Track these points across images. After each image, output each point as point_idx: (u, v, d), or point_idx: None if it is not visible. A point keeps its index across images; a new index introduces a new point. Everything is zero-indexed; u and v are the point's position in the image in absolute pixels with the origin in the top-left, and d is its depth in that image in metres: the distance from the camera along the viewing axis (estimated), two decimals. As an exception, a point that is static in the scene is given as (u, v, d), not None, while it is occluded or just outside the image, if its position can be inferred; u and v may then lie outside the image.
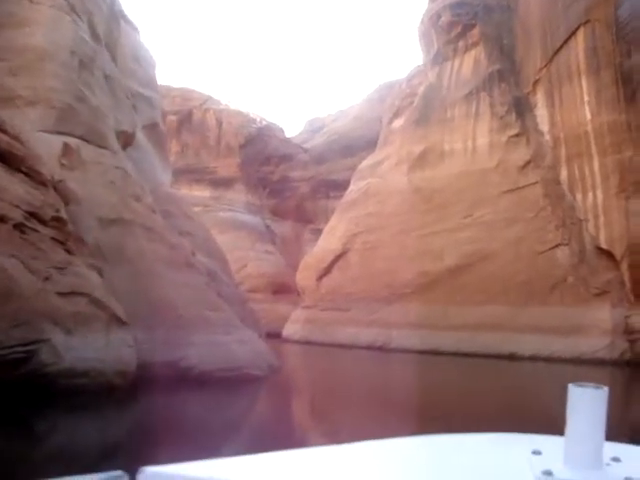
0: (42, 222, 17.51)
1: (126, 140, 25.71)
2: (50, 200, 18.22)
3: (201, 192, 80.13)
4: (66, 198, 20.87)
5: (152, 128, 33.14)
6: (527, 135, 46.49)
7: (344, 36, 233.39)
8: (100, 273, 18.92)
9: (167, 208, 28.01)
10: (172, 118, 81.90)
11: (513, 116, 47.34)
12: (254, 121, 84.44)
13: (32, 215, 17.31)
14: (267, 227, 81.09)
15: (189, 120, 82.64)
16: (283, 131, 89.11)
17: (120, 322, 18.20)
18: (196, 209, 77.88)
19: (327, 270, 56.79)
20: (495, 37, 49.47)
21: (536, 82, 46.26)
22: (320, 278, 57.24)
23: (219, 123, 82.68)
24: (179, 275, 21.95)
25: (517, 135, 46.84)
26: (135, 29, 35.39)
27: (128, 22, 33.76)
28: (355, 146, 77.74)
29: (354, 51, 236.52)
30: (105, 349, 17.39)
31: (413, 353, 44.01)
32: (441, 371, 36.75)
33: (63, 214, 18.81)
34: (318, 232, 68.01)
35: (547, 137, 45.52)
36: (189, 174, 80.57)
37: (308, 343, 52.96)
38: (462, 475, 1.97)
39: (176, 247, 22.40)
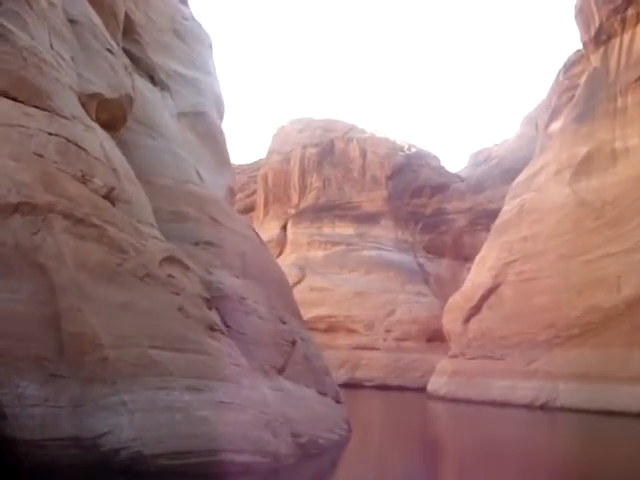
0: None
1: (107, 110, 18.03)
2: None
3: (344, 229, 72.70)
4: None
5: (197, 117, 25.65)
6: None
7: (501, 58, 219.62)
8: None
9: (183, 209, 20.00)
10: (312, 151, 75.76)
11: None
12: (402, 148, 75.89)
13: None
14: (420, 266, 71.62)
15: (331, 152, 75.74)
16: (437, 159, 79.74)
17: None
18: (339, 248, 71.38)
19: (475, 310, 46.35)
20: (677, -4, 38.09)
21: None
22: (467, 320, 46.88)
23: (363, 153, 75.09)
24: (122, 293, 13.58)
25: None
26: (183, 1, 28.70)
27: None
28: (517, 169, 66.27)
29: (515, 70, 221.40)
30: None
31: (584, 413, 33.43)
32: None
33: None
34: (478, 270, 57.59)
35: None
36: (331, 210, 73.62)
37: (454, 400, 43.05)
38: None
39: (127, 251, 14.11)
